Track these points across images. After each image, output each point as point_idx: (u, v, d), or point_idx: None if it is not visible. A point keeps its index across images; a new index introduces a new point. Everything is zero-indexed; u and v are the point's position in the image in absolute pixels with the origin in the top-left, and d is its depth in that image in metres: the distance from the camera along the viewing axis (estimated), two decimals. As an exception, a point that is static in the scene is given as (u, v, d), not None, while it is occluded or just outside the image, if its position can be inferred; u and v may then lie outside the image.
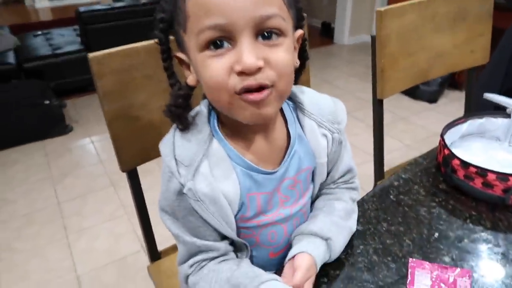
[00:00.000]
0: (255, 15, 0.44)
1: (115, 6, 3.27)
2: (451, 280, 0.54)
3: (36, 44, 3.38)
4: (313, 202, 0.66)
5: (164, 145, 0.54)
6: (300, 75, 0.59)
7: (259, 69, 0.45)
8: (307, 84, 0.86)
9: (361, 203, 0.70)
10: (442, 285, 0.53)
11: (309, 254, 0.55)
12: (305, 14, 0.59)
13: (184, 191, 0.51)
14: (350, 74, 3.45)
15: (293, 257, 0.56)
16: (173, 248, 0.92)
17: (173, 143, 0.53)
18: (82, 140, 2.70)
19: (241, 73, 0.45)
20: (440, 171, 0.77)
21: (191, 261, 0.57)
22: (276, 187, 0.57)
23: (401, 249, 0.60)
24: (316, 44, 4.31)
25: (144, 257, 1.73)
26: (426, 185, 0.75)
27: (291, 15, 0.50)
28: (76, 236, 1.86)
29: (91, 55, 0.66)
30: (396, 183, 0.75)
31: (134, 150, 0.74)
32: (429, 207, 0.69)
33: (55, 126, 2.72)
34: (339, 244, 0.59)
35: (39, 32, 3.72)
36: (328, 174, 0.64)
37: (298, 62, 0.55)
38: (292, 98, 0.60)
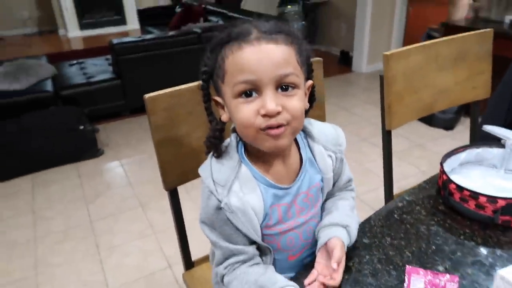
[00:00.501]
0: (276, 74, 0.60)
1: (145, 38, 3.51)
2: (441, 284, 0.64)
3: (71, 73, 3.64)
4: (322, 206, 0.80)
5: (204, 170, 0.69)
6: (308, 112, 0.75)
7: (278, 113, 0.60)
8: (322, 110, 1.01)
9: (368, 221, 0.82)
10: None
11: (338, 237, 0.69)
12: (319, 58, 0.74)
13: (222, 205, 0.65)
14: (367, 102, 3.56)
15: (325, 244, 0.70)
16: (205, 259, 1.05)
17: (211, 168, 0.68)
18: (112, 162, 2.88)
19: (265, 116, 0.60)
20: (440, 194, 0.88)
21: (225, 263, 0.70)
22: (293, 200, 0.71)
23: (401, 259, 0.71)
24: (335, 72, 4.46)
25: (170, 274, 1.85)
26: (427, 206, 0.86)
27: (303, 71, 0.65)
28: (108, 253, 2.00)
29: (146, 96, 0.81)
30: (400, 204, 0.86)
31: (176, 173, 0.89)
32: (428, 225, 0.80)
33: (88, 149, 2.91)
34: (354, 230, 0.74)
35: (74, 62, 3.99)
36: (334, 184, 0.79)
37: (308, 105, 0.71)
38: (303, 129, 0.74)
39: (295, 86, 0.62)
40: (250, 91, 0.60)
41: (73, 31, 7.26)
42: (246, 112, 0.61)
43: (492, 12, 3.11)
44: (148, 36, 3.68)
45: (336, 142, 0.75)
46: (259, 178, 0.69)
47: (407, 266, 0.68)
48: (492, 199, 0.77)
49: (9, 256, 2.00)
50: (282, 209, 0.71)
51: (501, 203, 0.76)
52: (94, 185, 2.61)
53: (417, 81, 1.13)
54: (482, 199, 0.78)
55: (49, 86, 3.24)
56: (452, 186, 0.83)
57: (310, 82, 0.70)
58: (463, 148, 0.95)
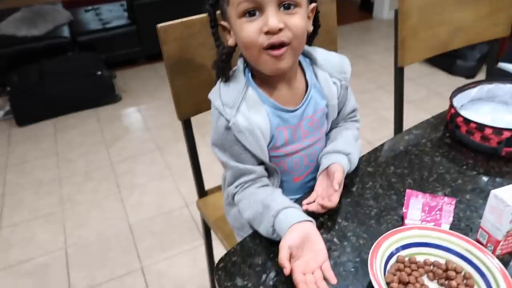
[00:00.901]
0: None
1: (159, -18, 3.44)
2: (438, 206, 0.67)
3: (87, 19, 3.63)
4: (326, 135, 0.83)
5: (213, 94, 0.72)
6: (313, 39, 0.77)
7: (280, 30, 0.62)
8: (334, 46, 1.01)
9: (374, 151, 0.84)
10: (434, 211, 0.67)
11: (339, 163, 0.73)
12: None
13: (230, 125, 0.68)
14: (387, 49, 3.46)
15: (326, 169, 0.73)
16: (216, 189, 1.10)
17: (219, 91, 0.71)
18: (130, 108, 2.94)
19: (267, 33, 0.62)
20: (447, 128, 0.89)
21: (236, 183, 0.74)
22: (298, 123, 0.74)
23: (403, 185, 0.74)
24: (355, 19, 4.30)
25: (187, 212, 1.94)
26: (433, 139, 0.87)
27: None
28: (128, 192, 2.10)
29: (159, 25, 0.83)
30: (406, 137, 0.88)
31: (190, 103, 0.92)
32: (432, 155, 0.82)
33: (106, 95, 2.97)
34: (355, 158, 0.78)
35: (90, 8, 3.96)
36: (338, 113, 0.81)
37: (312, 28, 0.72)
38: (308, 56, 0.76)
39: (296, 5, 0.64)
40: (253, 10, 0.62)
41: (87, -23, 7.10)
42: (249, 30, 0.63)
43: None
44: (163, -20, 3.59)
45: (341, 69, 0.77)
46: (265, 100, 0.71)
47: (407, 190, 0.71)
48: (498, 130, 0.78)
49: (36, 194, 2.13)
50: (288, 132, 0.74)
51: (506, 134, 0.77)
52: (113, 129, 2.69)
53: (433, 16, 1.09)
54: (488, 131, 0.79)
55: (66, 32, 3.26)
56: (459, 119, 0.83)
57: (313, 4, 0.70)
58: (475, 84, 0.95)
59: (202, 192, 1.06)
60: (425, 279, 0.56)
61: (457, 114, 0.84)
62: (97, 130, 2.69)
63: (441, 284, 0.55)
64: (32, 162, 2.40)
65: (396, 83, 1.14)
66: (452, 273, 0.54)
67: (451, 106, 0.87)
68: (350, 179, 0.76)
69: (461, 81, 2.90)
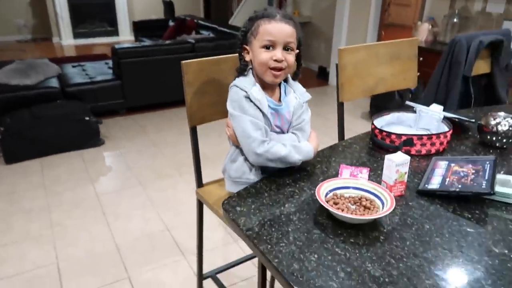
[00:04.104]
0: (285, 40, 1.07)
1: (144, 44, 3.93)
2: (359, 172, 1.07)
3: (74, 74, 4.01)
4: None
5: (235, 81, 1.12)
6: (297, 76, 1.21)
7: (282, 61, 1.07)
8: None
9: (321, 152, 1.25)
10: (355, 173, 1.07)
11: None
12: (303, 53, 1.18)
13: (247, 95, 1.07)
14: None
15: None
16: (211, 183, 1.45)
17: (240, 80, 1.11)
18: (113, 151, 3.24)
19: (275, 61, 1.06)
20: (371, 138, 1.33)
21: (260, 134, 1.06)
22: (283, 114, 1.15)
23: (337, 170, 1.14)
24: (313, 85, 4.97)
25: (168, 235, 2.21)
26: (360, 144, 1.30)
27: (296, 44, 1.11)
28: (114, 218, 2.34)
29: (183, 62, 1.23)
30: (343, 144, 1.30)
31: (198, 116, 1.31)
32: (359, 152, 1.24)
33: (91, 139, 3.26)
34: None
35: (76, 64, 4.36)
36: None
37: (296, 64, 1.15)
38: (287, 80, 1.18)
39: (292, 49, 1.09)
40: (269, 46, 1.07)
41: (67, 39, 7.58)
42: (265, 56, 1.07)
43: (447, 35, 3.68)
44: (148, 43, 4.10)
45: (302, 94, 1.19)
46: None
47: (341, 164, 1.12)
48: (398, 135, 1.22)
49: (27, 220, 2.32)
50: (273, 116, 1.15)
51: (403, 138, 1.21)
52: (98, 168, 2.96)
53: (363, 70, 1.58)
54: (393, 136, 1.23)
55: (55, 83, 3.60)
56: (376, 131, 1.27)
57: (297, 51, 1.13)
58: (388, 112, 1.40)
59: (200, 183, 1.41)
60: (348, 204, 0.94)
61: (375, 128, 1.28)
62: (82, 169, 2.94)
63: (358, 205, 0.93)
64: (21, 193, 2.60)
65: (339, 114, 1.59)
66: (363, 200, 0.93)
67: (372, 124, 1.32)
68: (312, 164, 1.15)
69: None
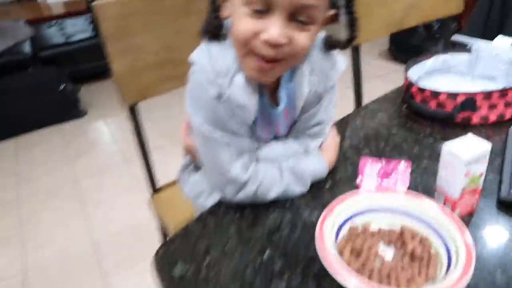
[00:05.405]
0: (297, 1, 0.50)
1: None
2: (394, 170, 0.63)
3: (50, 34, 3.53)
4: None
5: (200, 56, 0.57)
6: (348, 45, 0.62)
7: (278, 45, 0.52)
8: None
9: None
10: (388, 173, 0.63)
11: None
12: None
13: (222, 94, 0.56)
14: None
15: None
16: (171, 184, 1.03)
17: (209, 53, 0.57)
18: (97, 122, 2.85)
19: (265, 42, 0.52)
20: (403, 100, 0.86)
21: (240, 164, 0.60)
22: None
23: (359, 156, 0.69)
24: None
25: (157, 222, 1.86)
26: (390, 112, 0.84)
27: (330, 3, 0.55)
28: (94, 208, 2.00)
29: (94, 3, 0.77)
30: (363, 112, 0.84)
31: (135, 88, 0.86)
32: (389, 127, 0.78)
33: (70, 110, 2.87)
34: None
35: (54, 22, 3.87)
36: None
37: (315, 40, 0.59)
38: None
39: (312, 21, 0.53)
40: (260, 9, 0.51)
41: (52, -3, 7.03)
42: (246, 27, 0.52)
43: None
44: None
45: (325, 73, 0.64)
46: None
47: (361, 157, 0.67)
48: (452, 95, 0.75)
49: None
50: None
51: (461, 97, 0.74)
52: (78, 144, 2.59)
53: (386, -7, 1.08)
54: (443, 97, 0.76)
55: (27, 48, 3.15)
56: (414, 89, 0.80)
57: (331, 12, 0.57)
58: (430, 55, 0.92)
59: (154, 187, 0.99)
60: (381, 245, 0.51)
61: (411, 84, 0.81)
62: (61, 147, 2.58)
63: (398, 249, 0.50)
64: (-13, 184, 2.27)
65: (354, 64, 1.11)
66: (408, 237, 0.50)
67: (406, 77, 0.84)
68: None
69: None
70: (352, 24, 0.58)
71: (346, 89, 2.46)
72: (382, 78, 2.80)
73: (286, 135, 0.69)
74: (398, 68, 3.06)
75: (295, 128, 0.68)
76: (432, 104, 0.78)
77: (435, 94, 0.76)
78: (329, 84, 0.64)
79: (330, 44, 0.63)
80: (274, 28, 0.50)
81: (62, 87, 2.80)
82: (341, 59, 0.66)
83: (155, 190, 1.00)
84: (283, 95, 0.63)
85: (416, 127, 0.78)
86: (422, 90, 0.79)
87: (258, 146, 0.65)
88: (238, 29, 0.53)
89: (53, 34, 3.53)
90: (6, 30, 3.25)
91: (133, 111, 0.89)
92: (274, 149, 0.65)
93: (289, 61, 0.55)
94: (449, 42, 1.24)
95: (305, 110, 0.65)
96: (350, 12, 0.57)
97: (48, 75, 2.87)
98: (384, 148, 0.71)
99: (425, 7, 1.16)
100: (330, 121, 0.70)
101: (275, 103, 0.64)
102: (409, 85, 0.82)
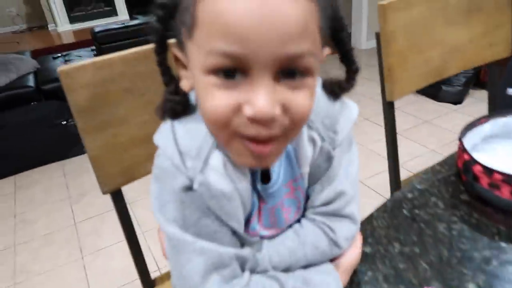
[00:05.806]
0: (282, 52, 0.35)
1: (128, 25, 3.32)
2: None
3: (55, 66, 3.46)
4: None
5: (162, 137, 0.45)
6: (344, 88, 0.50)
7: (271, 120, 0.37)
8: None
9: (369, 220, 0.62)
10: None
11: None
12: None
13: (194, 187, 0.42)
14: (369, 79, 3.33)
15: None
16: (168, 274, 0.87)
17: (173, 132, 0.44)
18: (100, 159, 2.72)
19: (252, 119, 0.37)
20: (461, 180, 0.68)
21: (218, 279, 0.44)
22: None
23: (416, 275, 0.51)
24: (331, 50, 4.22)
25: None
26: (445, 196, 0.66)
27: (323, 41, 0.40)
28: (92, 257, 1.85)
29: (59, 68, 0.61)
30: (410, 195, 0.66)
31: (116, 170, 0.69)
32: (449, 222, 0.60)
33: (72, 146, 2.75)
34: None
35: (58, 55, 3.81)
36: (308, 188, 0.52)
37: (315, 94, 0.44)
38: None
39: (307, 73, 0.38)
40: (233, 70, 0.36)
41: (62, 26, 7.12)
42: (220, 103, 0.37)
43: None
44: (132, 22, 3.48)
45: (331, 125, 0.48)
46: None
47: (425, 287, 0.49)
48: (535, 182, 0.57)
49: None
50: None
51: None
52: (80, 183, 2.47)
53: (422, 38, 0.90)
54: (519, 183, 0.58)
55: (30, 81, 3.07)
56: (478, 168, 0.62)
57: (326, 51, 0.43)
58: (486, 118, 0.75)
59: (147, 282, 0.81)
60: None
61: (474, 161, 0.63)
62: (61, 186, 2.46)
63: None
64: (-16, 228, 2.14)
65: (387, 120, 0.94)
66: None
67: (463, 150, 0.67)
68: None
69: (448, 106, 2.76)
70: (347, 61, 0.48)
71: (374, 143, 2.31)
72: (400, 110, 2.64)
73: (299, 220, 0.52)
74: (415, 99, 2.88)
75: (307, 207, 0.51)
76: (505, 191, 0.60)
77: (510, 179, 0.59)
78: (338, 136, 0.49)
79: (331, 91, 0.48)
80: (259, 97, 0.36)
81: (64, 122, 2.69)
82: (351, 103, 0.51)
83: (148, 285, 0.82)
84: (275, 166, 0.48)
85: (486, 223, 0.59)
86: (489, 172, 0.61)
87: (256, 246, 0.48)
88: (209, 107, 0.38)
89: (58, 66, 3.45)
90: (10, 63, 3.18)
91: (117, 197, 0.72)
92: (279, 251, 0.48)
93: (290, 135, 0.40)
94: (496, 95, 1.07)
95: (314, 179, 0.50)
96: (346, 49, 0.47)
97: (50, 109, 2.78)
98: (449, 260, 0.53)
99: (467, 53, 0.99)
100: (355, 194, 0.52)
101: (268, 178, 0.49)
102: (469, 162, 0.64)
